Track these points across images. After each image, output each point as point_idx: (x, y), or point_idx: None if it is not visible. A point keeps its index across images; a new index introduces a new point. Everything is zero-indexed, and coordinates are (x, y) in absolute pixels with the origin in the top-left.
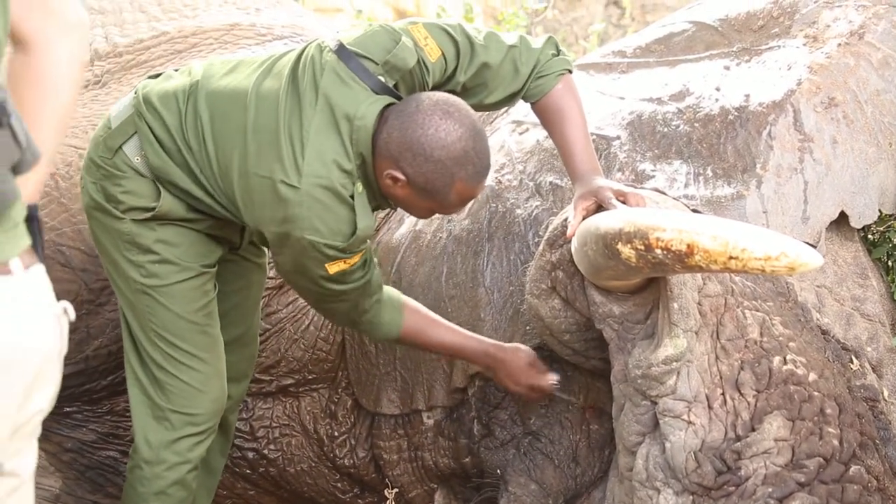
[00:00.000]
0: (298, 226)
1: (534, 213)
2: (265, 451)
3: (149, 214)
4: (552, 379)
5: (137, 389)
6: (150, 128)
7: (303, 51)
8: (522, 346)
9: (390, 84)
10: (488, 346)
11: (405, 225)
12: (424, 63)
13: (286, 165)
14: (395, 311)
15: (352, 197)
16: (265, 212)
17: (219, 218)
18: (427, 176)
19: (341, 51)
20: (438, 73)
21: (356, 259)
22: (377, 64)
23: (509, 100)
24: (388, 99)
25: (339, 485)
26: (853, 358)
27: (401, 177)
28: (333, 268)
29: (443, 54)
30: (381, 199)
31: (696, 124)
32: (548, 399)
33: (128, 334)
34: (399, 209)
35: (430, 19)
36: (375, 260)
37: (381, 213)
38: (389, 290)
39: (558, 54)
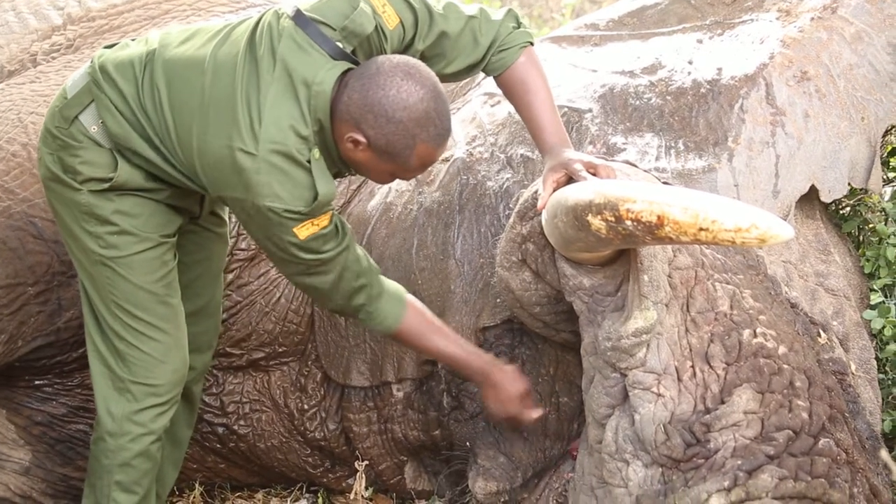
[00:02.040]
0: (259, 193)
1: (505, 186)
2: (235, 427)
3: (106, 185)
4: (536, 415)
5: (98, 361)
6: (107, 96)
7: (260, 18)
8: (520, 374)
9: (348, 50)
10: (486, 364)
11: (376, 197)
12: (382, 30)
13: (243, 132)
14: (397, 304)
15: (308, 162)
16: (225, 178)
17: (178, 187)
18: (388, 138)
19: (298, 17)
20: (396, 40)
21: (325, 221)
22: (335, 30)
23: (468, 71)
24: (346, 65)
25: (309, 459)
26: (821, 332)
27: (361, 139)
28: (303, 231)
29: (401, 22)
30: (340, 165)
31: (668, 97)
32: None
33: (88, 306)
34: (361, 177)
35: None
36: (358, 247)
37: (353, 185)
38: (392, 283)
39: (519, 27)
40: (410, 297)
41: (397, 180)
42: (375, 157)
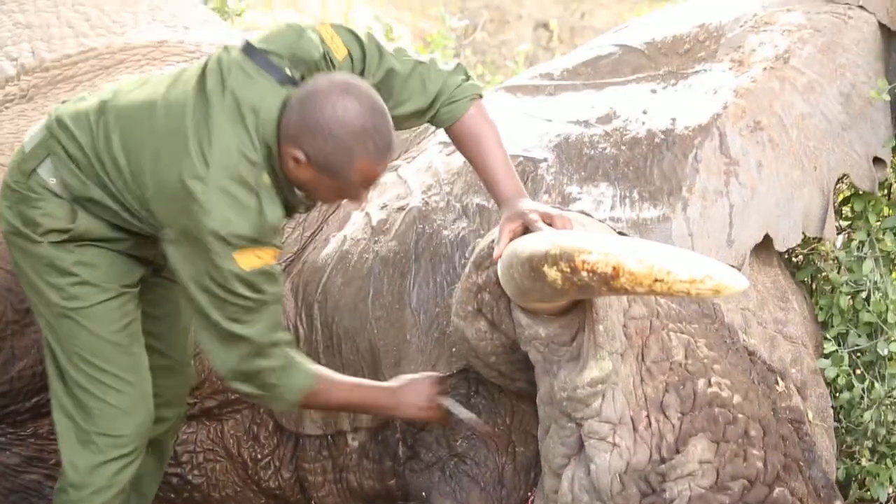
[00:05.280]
0: (207, 217)
1: (461, 235)
2: (189, 477)
3: (66, 236)
4: (442, 408)
5: (62, 414)
6: (64, 148)
7: (209, 58)
8: (426, 380)
9: (296, 76)
10: (386, 392)
11: (331, 244)
12: (331, 59)
13: (194, 159)
14: (308, 374)
15: (258, 185)
16: (176, 208)
17: (138, 235)
18: (327, 155)
19: (247, 48)
20: (346, 71)
21: (270, 258)
22: (282, 57)
23: (416, 117)
24: (292, 89)
25: None
26: (779, 379)
27: (302, 157)
28: (245, 261)
29: (349, 54)
30: (289, 193)
31: (623, 147)
32: (471, 429)
33: (51, 358)
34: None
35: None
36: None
37: (307, 232)
38: (298, 352)
39: (468, 79)
40: (314, 365)
41: (351, 227)
42: (317, 175)
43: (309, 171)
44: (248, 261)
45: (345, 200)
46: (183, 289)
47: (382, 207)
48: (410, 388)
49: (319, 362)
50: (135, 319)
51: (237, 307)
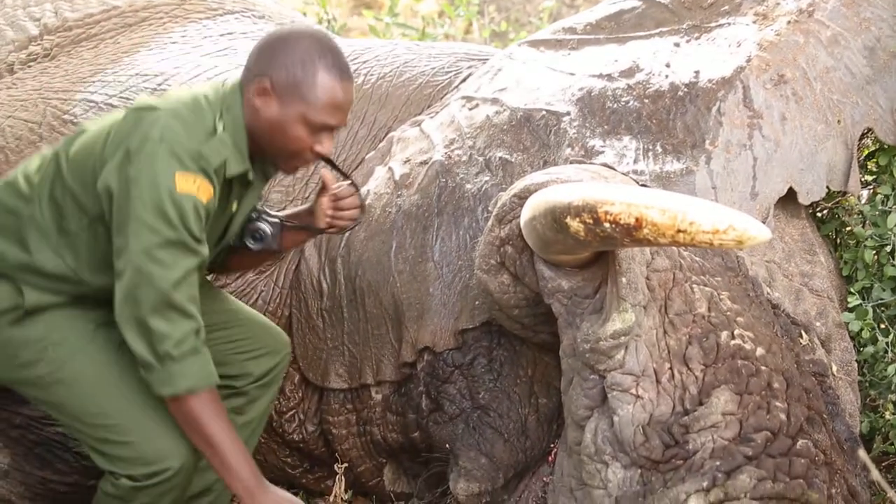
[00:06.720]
0: (156, 131)
1: (483, 189)
2: None
3: (20, 312)
4: None
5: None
6: None
7: None
8: (291, 499)
9: None
10: (254, 480)
11: None
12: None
13: (149, 99)
14: (208, 373)
15: (216, 119)
16: (125, 135)
17: (86, 289)
18: (289, 68)
19: None
20: None
21: (205, 192)
22: None
23: None
24: None
25: (288, 460)
26: (802, 333)
27: (266, 83)
28: (182, 181)
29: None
30: (248, 163)
31: (646, 100)
32: (496, 374)
33: (71, 429)
34: None
35: None
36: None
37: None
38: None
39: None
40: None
41: (374, 181)
42: (282, 104)
43: (273, 103)
44: (186, 183)
45: (312, 150)
46: (114, 223)
47: (405, 162)
48: (276, 499)
49: (343, 316)
50: (120, 344)
51: (157, 237)
